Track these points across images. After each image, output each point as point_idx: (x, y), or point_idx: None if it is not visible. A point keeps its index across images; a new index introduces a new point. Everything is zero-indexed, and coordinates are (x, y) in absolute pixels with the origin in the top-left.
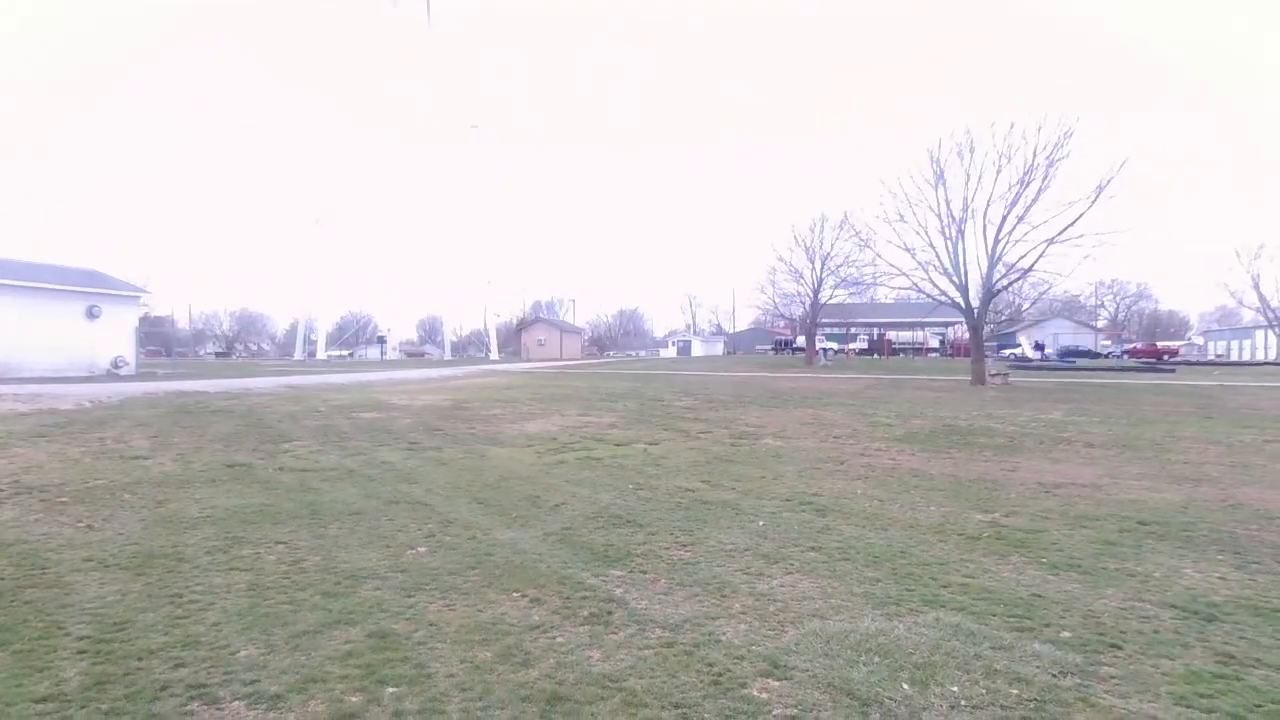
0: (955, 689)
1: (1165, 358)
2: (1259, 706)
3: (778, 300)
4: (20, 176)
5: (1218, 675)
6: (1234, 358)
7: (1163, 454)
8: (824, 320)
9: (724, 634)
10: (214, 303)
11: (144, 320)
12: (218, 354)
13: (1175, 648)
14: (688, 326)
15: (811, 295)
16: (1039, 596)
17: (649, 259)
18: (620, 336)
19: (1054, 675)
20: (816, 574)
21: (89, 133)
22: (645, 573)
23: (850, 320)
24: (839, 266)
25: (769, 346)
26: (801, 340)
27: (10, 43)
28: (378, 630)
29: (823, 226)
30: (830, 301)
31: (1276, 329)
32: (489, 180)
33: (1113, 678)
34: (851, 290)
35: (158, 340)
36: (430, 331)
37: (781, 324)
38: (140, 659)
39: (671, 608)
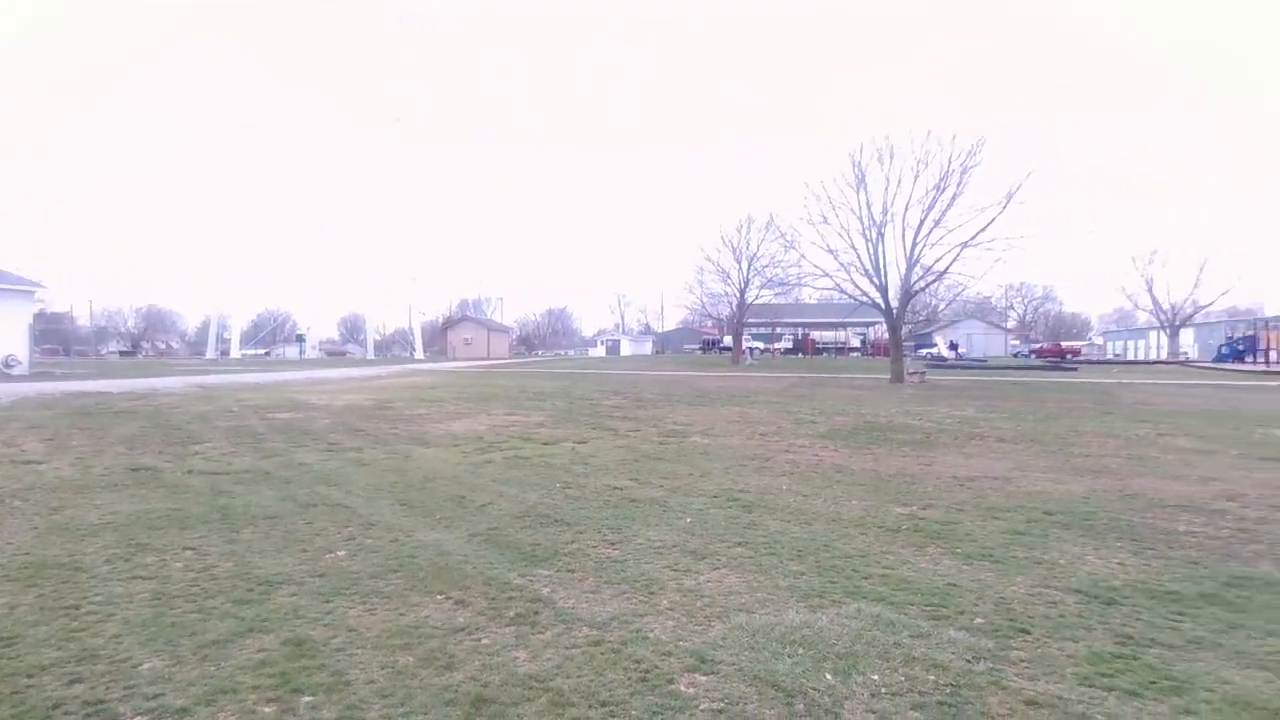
0: (876, 677)
1: (1069, 357)
2: (1153, 684)
3: (705, 300)
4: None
5: (1117, 655)
6: (1130, 357)
7: (1067, 447)
8: (750, 320)
9: (652, 631)
10: (118, 299)
11: (39, 317)
12: (122, 353)
13: (1079, 630)
14: (616, 326)
15: (738, 295)
16: (954, 585)
17: (579, 258)
18: (549, 335)
19: (968, 660)
20: (743, 569)
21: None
22: (573, 571)
23: (776, 320)
24: (765, 267)
25: (697, 346)
26: (729, 340)
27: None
28: (293, 637)
29: (749, 228)
30: (756, 302)
31: (1167, 330)
32: (417, 178)
33: (1022, 661)
34: (777, 291)
35: (55, 338)
36: (352, 330)
37: (709, 324)
38: (31, 676)
39: (599, 606)
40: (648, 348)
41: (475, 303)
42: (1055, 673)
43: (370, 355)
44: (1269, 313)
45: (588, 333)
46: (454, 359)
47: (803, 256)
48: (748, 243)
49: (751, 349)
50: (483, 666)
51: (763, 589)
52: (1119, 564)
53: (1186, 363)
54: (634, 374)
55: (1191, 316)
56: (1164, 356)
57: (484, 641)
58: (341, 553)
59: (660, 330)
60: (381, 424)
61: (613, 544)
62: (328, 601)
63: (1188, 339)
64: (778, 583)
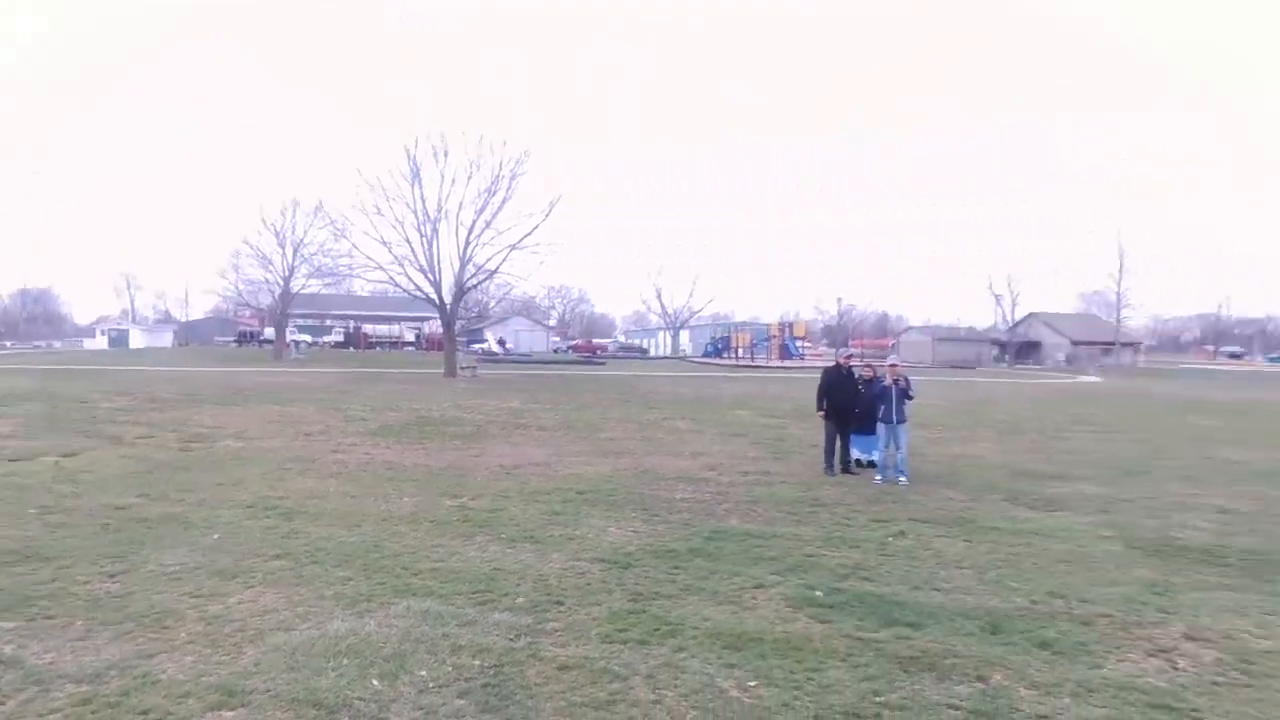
0: (424, 673)
1: (599, 353)
2: (657, 630)
3: (243, 288)
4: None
5: (631, 611)
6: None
7: (596, 433)
8: (296, 311)
9: (165, 671)
10: None
11: None
12: None
13: (602, 595)
14: (125, 313)
15: (282, 284)
16: (499, 569)
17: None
18: (24, 323)
19: (510, 639)
20: (282, 583)
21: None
22: (53, 618)
23: (326, 312)
24: (313, 255)
25: (232, 338)
26: (271, 331)
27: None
28: None
29: (295, 211)
30: (304, 291)
31: (671, 331)
32: None
33: (556, 631)
34: (327, 281)
35: None
36: None
37: (248, 313)
38: None
39: (91, 655)
40: (168, 339)
41: None
42: (583, 636)
43: None
44: (738, 319)
45: (84, 320)
46: None
47: (355, 247)
48: (294, 227)
49: (297, 342)
50: None
51: (305, 602)
52: (634, 531)
53: (684, 358)
54: (150, 370)
55: (688, 320)
56: (669, 353)
57: None
58: None
59: (185, 319)
60: None
61: (112, 576)
62: None
63: (685, 339)
64: (322, 593)
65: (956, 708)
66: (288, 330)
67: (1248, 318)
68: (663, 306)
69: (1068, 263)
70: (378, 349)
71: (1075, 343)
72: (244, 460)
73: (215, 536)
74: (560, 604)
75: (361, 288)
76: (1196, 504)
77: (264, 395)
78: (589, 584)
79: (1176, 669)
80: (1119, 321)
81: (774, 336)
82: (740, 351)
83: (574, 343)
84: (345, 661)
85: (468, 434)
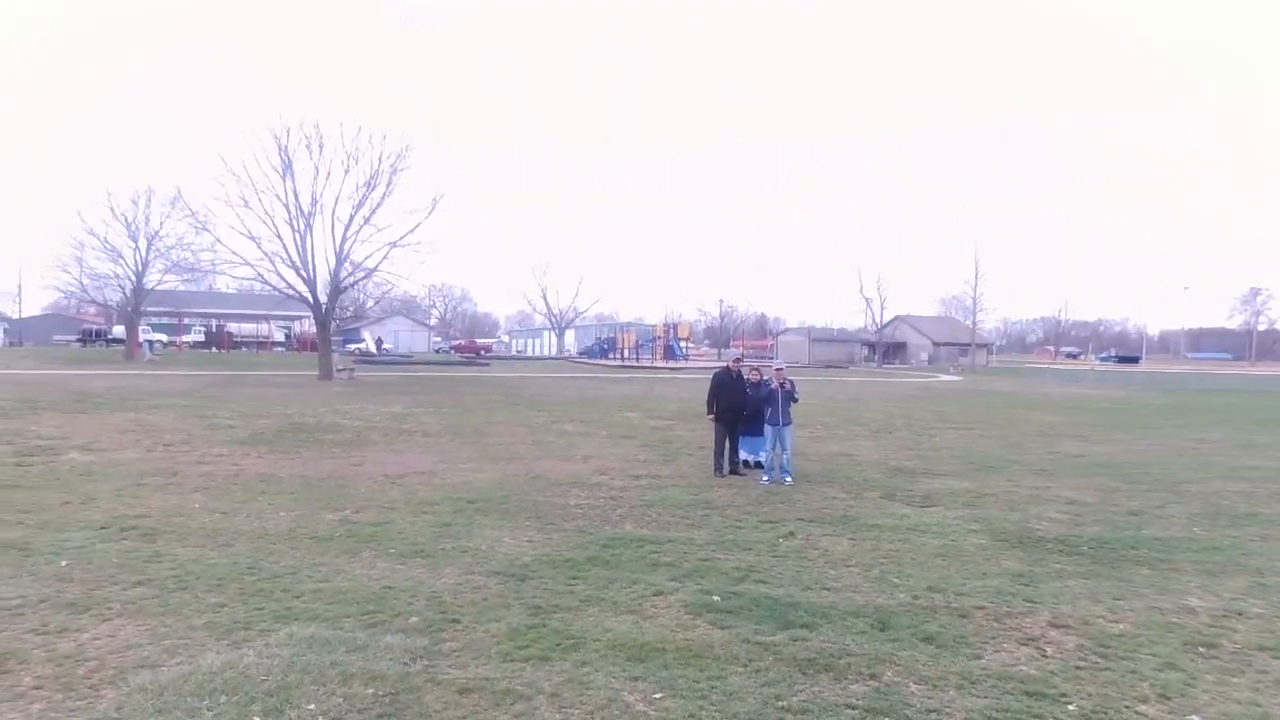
0: (312, 707)
1: (482, 353)
2: (559, 645)
3: (87, 282)
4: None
5: (530, 626)
6: (530, 353)
7: (483, 438)
8: (151, 309)
9: None
10: None
11: None
12: None
13: (500, 610)
14: None
15: (134, 279)
16: (389, 588)
17: None
18: None
19: (405, 663)
20: (144, 614)
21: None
22: None
23: (184, 309)
24: (170, 249)
25: (75, 337)
26: (121, 330)
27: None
28: None
29: (150, 201)
30: (159, 287)
31: (557, 330)
32: None
33: (454, 651)
34: (185, 277)
35: None
36: None
37: (94, 310)
38: None
39: None
40: None
41: None
42: (483, 656)
43: None
44: (623, 319)
45: None
46: None
47: (218, 241)
48: (148, 218)
49: (152, 342)
50: None
51: (172, 634)
52: (529, 541)
53: (570, 358)
54: None
55: (573, 320)
56: (554, 353)
57: None
58: None
59: (18, 316)
60: None
61: None
62: None
63: (571, 339)
64: (191, 623)
65: (854, 707)
66: (140, 329)
67: (1083, 321)
68: (548, 306)
69: (931, 267)
70: (244, 349)
71: (936, 344)
72: (94, 475)
73: (63, 563)
74: (457, 622)
75: (226, 285)
76: (1049, 496)
77: (116, 401)
78: (486, 599)
79: (1045, 656)
80: (974, 324)
81: (659, 337)
82: (626, 352)
83: (456, 343)
84: (223, 699)
85: (348, 441)
